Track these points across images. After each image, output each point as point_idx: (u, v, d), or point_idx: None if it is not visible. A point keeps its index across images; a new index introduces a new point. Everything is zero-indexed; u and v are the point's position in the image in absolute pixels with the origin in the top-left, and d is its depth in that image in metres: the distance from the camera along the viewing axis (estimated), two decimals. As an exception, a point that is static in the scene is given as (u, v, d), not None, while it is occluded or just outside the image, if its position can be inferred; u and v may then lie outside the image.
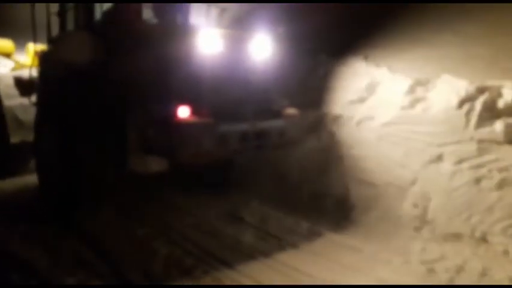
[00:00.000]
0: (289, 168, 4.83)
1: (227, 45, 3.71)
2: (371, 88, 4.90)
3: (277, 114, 4.06)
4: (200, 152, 3.49)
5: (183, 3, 4.80)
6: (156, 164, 3.43)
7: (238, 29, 5.08)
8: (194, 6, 4.84)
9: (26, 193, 4.64)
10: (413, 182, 3.99)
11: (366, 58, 5.32)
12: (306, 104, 4.76)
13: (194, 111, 3.44)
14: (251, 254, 3.57)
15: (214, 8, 4.90)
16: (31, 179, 4.72)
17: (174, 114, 3.35)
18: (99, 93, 3.93)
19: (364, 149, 4.50)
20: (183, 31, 3.78)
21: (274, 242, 3.80)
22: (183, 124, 3.37)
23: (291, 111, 4.20)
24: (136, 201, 4.53)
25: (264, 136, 3.89)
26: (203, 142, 3.47)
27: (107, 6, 4.27)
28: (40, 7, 4.70)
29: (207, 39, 3.59)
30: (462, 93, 3.99)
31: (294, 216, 4.26)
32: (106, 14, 4.20)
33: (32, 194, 4.50)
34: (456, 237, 3.59)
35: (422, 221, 3.82)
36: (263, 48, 3.98)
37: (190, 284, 3.09)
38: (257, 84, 3.99)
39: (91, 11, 4.26)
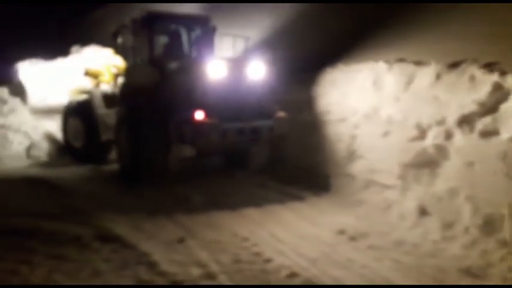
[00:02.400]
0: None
1: (230, 69, 5.69)
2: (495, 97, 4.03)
3: (268, 116, 5.83)
4: (209, 142, 5.47)
5: (209, 41, 6.78)
6: (187, 151, 5.59)
7: (256, 53, 6.72)
8: (222, 39, 6.64)
9: (113, 172, 6.84)
10: None
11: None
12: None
13: (206, 115, 5.44)
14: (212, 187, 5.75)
15: (239, 38, 6.58)
16: (115, 165, 6.90)
17: (193, 116, 5.41)
18: (154, 105, 5.93)
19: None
20: (199, 63, 5.90)
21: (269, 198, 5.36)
22: (198, 123, 5.40)
23: (280, 113, 5.95)
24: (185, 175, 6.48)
25: (256, 132, 5.71)
26: (211, 135, 5.41)
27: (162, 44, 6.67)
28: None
29: (214, 67, 5.61)
30: None
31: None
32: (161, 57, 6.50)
33: (115, 173, 6.68)
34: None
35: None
36: (258, 69, 5.87)
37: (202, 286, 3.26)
38: (252, 95, 5.83)
39: (152, 50, 6.40)
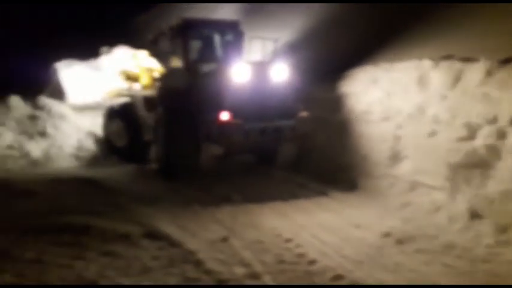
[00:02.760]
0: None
1: (253, 71, 6.00)
2: None
3: (290, 115, 6.03)
4: (233, 141, 5.83)
5: (238, 45, 7.13)
6: (215, 150, 6.06)
7: (283, 55, 7.07)
8: (252, 42, 6.84)
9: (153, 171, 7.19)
10: None
11: None
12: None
13: (231, 115, 5.78)
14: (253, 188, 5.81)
15: (268, 41, 6.83)
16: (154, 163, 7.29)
17: (218, 117, 5.79)
18: (187, 107, 6.32)
19: None
20: (224, 66, 6.20)
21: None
22: (223, 123, 5.79)
23: (303, 113, 6.13)
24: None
25: (279, 131, 5.99)
26: (235, 135, 5.77)
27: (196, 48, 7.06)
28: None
29: (238, 71, 5.95)
30: None
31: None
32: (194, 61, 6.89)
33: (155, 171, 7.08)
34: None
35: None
36: (281, 71, 6.10)
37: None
38: (275, 96, 6.07)
39: (186, 54, 6.81)
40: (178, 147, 6.12)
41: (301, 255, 3.71)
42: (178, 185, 6.14)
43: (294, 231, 4.24)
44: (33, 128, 8.57)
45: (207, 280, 3.30)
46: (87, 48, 10.87)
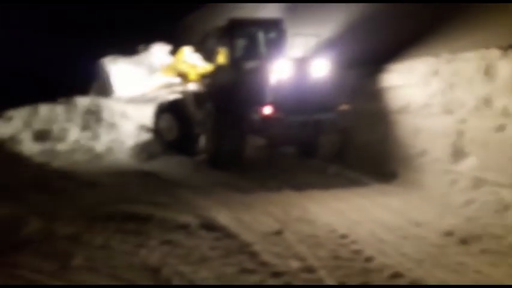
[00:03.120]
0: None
1: (295, 67, 6.34)
2: None
3: (331, 108, 6.32)
4: (276, 134, 6.27)
5: (281, 42, 7.44)
6: (260, 142, 6.67)
7: (324, 51, 7.43)
8: (294, 39, 7.28)
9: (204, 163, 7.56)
10: None
11: None
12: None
13: (273, 109, 6.14)
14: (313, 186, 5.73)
15: (310, 37, 7.41)
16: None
17: (262, 111, 6.18)
18: (232, 101, 6.76)
19: None
20: (267, 63, 6.54)
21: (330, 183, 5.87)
22: (266, 117, 6.17)
23: (344, 106, 6.39)
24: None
25: (319, 124, 6.30)
26: (277, 128, 6.15)
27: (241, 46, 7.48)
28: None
29: (280, 67, 6.31)
30: None
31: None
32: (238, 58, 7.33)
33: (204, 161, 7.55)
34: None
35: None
36: (321, 66, 6.40)
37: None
38: (316, 90, 6.37)
39: (233, 52, 7.29)
40: (225, 139, 6.60)
41: (357, 252, 3.66)
42: (229, 177, 6.31)
43: (350, 227, 4.19)
44: (96, 124, 9.14)
45: (262, 272, 3.35)
46: (132, 46, 11.39)
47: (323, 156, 6.85)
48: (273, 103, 6.11)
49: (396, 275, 3.22)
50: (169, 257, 3.64)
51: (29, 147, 8.31)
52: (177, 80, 8.68)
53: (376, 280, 3.19)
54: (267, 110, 6.09)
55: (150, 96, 9.57)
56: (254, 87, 6.50)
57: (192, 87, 8.24)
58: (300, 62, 6.40)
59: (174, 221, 4.46)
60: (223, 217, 4.55)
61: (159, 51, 10.90)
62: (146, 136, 8.98)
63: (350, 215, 4.58)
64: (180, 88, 8.53)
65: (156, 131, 8.79)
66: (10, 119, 9.15)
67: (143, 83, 9.77)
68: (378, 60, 6.83)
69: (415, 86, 6.09)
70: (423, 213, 4.50)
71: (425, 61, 6.07)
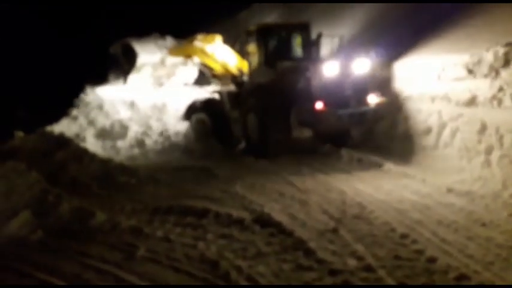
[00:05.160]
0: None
1: (340, 66, 7.03)
2: None
3: (370, 101, 7.10)
4: (328, 125, 7.15)
5: (309, 44, 8.14)
6: (306, 132, 7.66)
7: (353, 50, 8.19)
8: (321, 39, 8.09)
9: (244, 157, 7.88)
10: None
11: None
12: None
13: (324, 104, 6.85)
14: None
15: (335, 38, 8.29)
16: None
17: (314, 106, 6.87)
18: (273, 98, 7.38)
19: None
20: (317, 63, 7.31)
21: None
22: (319, 111, 6.86)
23: (382, 99, 7.15)
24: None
25: (363, 115, 7.09)
26: (330, 120, 6.97)
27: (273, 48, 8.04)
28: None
29: (329, 66, 7.03)
30: None
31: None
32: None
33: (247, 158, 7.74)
34: None
35: None
36: (362, 64, 7.11)
37: None
38: (358, 85, 7.08)
39: (265, 54, 7.94)
40: (271, 130, 7.22)
41: (418, 252, 3.52)
42: (280, 172, 6.31)
43: (410, 227, 4.04)
44: (152, 121, 9.53)
45: (319, 269, 3.34)
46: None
47: (351, 143, 7.51)
48: (323, 98, 6.86)
49: (462, 277, 3.07)
50: (226, 251, 3.73)
51: (93, 144, 8.86)
52: (184, 61, 9.36)
53: (440, 282, 3.06)
54: (319, 105, 6.86)
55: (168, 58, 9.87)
56: (298, 85, 7.23)
57: (224, 87, 8.96)
58: (345, 61, 7.13)
59: (228, 216, 4.56)
60: (276, 213, 4.57)
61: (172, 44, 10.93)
62: (197, 134, 9.21)
63: (411, 214, 4.41)
64: (213, 88, 9.26)
65: (190, 128, 9.09)
66: (75, 117, 9.79)
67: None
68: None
69: (479, 78, 5.73)
70: (489, 213, 4.23)
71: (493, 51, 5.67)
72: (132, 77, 10.22)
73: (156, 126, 9.36)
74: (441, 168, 5.75)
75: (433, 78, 6.59)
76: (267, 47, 8.00)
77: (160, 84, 10.35)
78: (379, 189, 5.33)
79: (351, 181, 5.71)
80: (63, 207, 4.84)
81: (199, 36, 9.37)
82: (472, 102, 5.81)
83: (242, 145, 8.34)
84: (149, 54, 10.10)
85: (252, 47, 8.21)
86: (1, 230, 4.45)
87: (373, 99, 7.12)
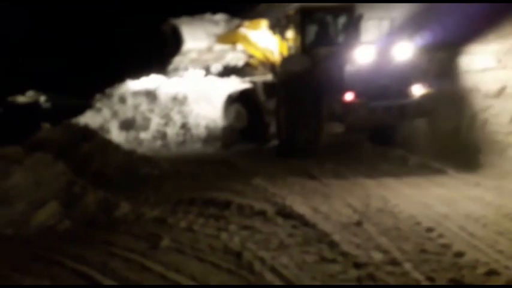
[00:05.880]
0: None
1: (376, 52, 6.20)
2: None
3: (414, 93, 6.24)
4: (358, 119, 6.23)
5: (354, 28, 7.35)
6: (337, 128, 6.52)
7: (399, 34, 6.97)
8: (367, 23, 7.21)
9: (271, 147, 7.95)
10: None
11: None
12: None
13: (355, 95, 6.15)
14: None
15: (384, 21, 7.01)
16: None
17: (343, 97, 6.18)
18: (307, 88, 6.70)
19: None
20: (347, 49, 6.50)
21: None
22: (348, 103, 6.19)
23: (427, 90, 6.28)
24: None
25: (403, 109, 6.20)
26: (359, 113, 6.15)
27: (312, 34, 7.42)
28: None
29: (361, 52, 6.21)
30: None
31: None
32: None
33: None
34: None
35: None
36: (403, 50, 6.25)
37: None
38: (398, 74, 6.25)
39: (303, 40, 7.29)
40: (300, 127, 6.59)
41: (445, 246, 3.45)
42: (304, 165, 6.27)
43: (436, 220, 3.95)
44: (173, 113, 9.62)
45: (343, 262, 3.30)
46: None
47: (402, 144, 6.73)
48: (354, 89, 6.13)
49: (491, 272, 2.99)
50: (249, 242, 3.73)
51: (117, 135, 9.02)
52: (232, 48, 9.04)
53: (469, 277, 2.98)
54: (349, 96, 6.14)
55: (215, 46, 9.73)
56: (331, 73, 6.48)
57: (261, 77, 8.45)
58: (382, 46, 6.30)
59: (251, 208, 4.56)
60: (298, 206, 4.55)
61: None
62: (217, 126, 9.26)
63: (436, 207, 4.32)
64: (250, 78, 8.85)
65: (227, 121, 9.04)
66: (99, 109, 9.98)
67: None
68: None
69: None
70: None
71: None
72: (177, 59, 10.18)
73: (181, 118, 9.45)
74: (467, 163, 5.59)
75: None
76: (305, 32, 7.26)
77: (207, 68, 10.36)
78: (403, 182, 5.25)
79: (374, 175, 5.63)
80: (89, 198, 4.94)
81: (246, 23, 8.98)
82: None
83: (275, 142, 7.77)
84: (196, 41, 10.00)
85: (290, 32, 7.53)
86: (30, 220, 4.58)
87: (417, 90, 6.24)
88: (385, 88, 6.20)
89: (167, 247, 3.76)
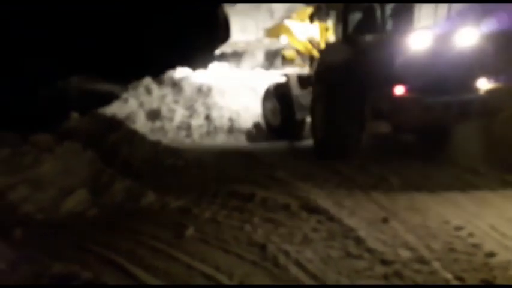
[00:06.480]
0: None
1: (433, 39, 5.34)
2: None
3: (480, 87, 5.42)
4: (410, 117, 5.41)
5: (407, 12, 6.16)
6: (383, 127, 5.62)
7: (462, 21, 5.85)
8: (421, 8, 6.04)
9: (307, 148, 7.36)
10: None
11: None
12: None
13: (407, 89, 5.35)
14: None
15: (441, 7, 5.89)
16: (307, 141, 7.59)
17: (392, 92, 5.37)
18: (348, 82, 5.84)
19: None
20: (398, 35, 5.69)
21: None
22: (398, 98, 5.37)
23: (497, 84, 5.51)
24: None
25: (466, 106, 5.35)
26: (412, 110, 5.32)
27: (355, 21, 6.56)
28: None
29: (415, 39, 5.35)
30: None
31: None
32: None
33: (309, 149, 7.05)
34: None
35: None
36: (467, 37, 5.35)
37: None
38: (462, 65, 5.37)
39: (345, 28, 6.44)
40: (338, 126, 5.76)
41: (475, 246, 3.35)
42: (332, 162, 6.04)
43: (466, 219, 3.84)
44: (198, 105, 9.69)
45: (369, 258, 3.25)
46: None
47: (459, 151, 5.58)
48: (406, 82, 5.29)
49: (525, 274, 2.88)
50: (273, 235, 3.73)
51: (143, 125, 9.16)
52: (279, 42, 8.38)
53: (501, 277, 2.89)
54: (399, 90, 5.29)
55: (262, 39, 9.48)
56: (379, 64, 5.59)
57: (296, 69, 7.83)
58: (440, 33, 5.41)
59: (274, 201, 4.55)
60: (323, 200, 4.51)
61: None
62: (245, 119, 9.25)
63: (466, 206, 4.19)
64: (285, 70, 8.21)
65: (264, 116, 8.71)
66: (126, 100, 10.15)
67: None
68: None
69: None
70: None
71: None
72: (223, 48, 10.26)
73: (207, 110, 9.50)
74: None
75: None
76: (347, 18, 6.37)
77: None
78: (429, 178, 5.11)
79: (401, 171, 5.49)
80: (116, 187, 5.04)
81: (294, 15, 8.29)
82: None
83: (308, 141, 7.15)
84: (245, 34, 9.98)
85: (331, 20, 6.78)
86: (59, 206, 4.71)
87: (483, 85, 5.40)
88: (444, 81, 5.28)
89: (192, 237, 3.80)
